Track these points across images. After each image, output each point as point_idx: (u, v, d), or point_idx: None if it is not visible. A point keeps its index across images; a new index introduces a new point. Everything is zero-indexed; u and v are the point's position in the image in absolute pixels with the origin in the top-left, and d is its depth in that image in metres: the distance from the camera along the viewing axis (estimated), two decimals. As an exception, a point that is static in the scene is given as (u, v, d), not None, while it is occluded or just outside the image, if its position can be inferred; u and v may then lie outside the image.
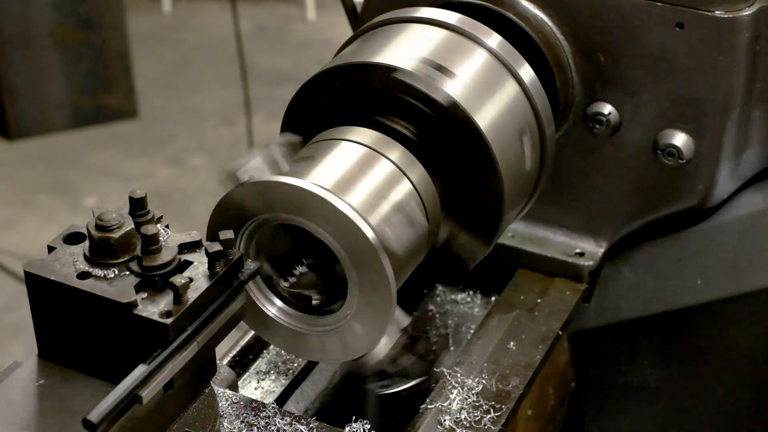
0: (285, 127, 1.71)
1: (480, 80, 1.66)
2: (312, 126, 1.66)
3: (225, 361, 1.77)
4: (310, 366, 1.82)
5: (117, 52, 5.87)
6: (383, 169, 1.56)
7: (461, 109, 1.59)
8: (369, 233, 1.44)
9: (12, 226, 5.23)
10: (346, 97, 1.65)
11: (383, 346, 1.53)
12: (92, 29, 5.77)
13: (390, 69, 1.61)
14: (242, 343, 1.81)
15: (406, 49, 1.67)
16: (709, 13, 1.74)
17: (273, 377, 1.77)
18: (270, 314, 1.57)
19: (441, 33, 1.71)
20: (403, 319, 1.52)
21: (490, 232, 1.68)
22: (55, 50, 5.72)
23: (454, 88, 1.61)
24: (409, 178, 1.58)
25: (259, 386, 1.75)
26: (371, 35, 1.74)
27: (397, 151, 1.59)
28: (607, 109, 1.87)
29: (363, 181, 1.54)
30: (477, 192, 1.64)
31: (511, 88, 1.70)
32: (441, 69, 1.63)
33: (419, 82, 1.60)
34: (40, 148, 5.80)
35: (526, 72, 1.72)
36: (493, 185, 1.63)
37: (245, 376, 1.77)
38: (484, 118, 1.62)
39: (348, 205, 1.45)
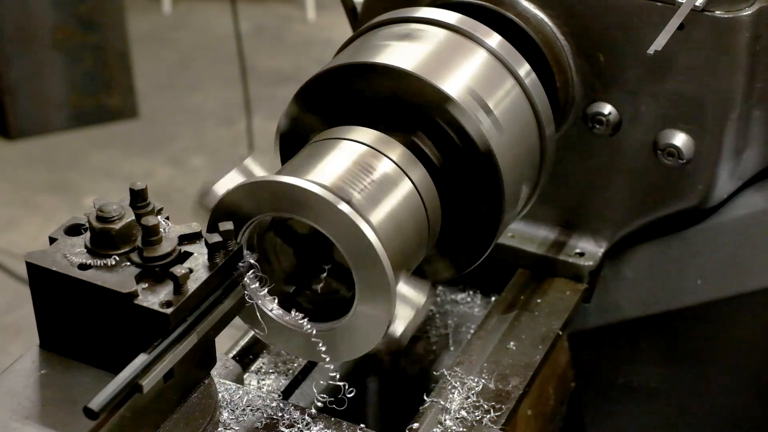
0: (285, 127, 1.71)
1: (480, 81, 1.66)
2: (312, 125, 1.66)
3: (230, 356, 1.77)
4: (310, 366, 1.82)
5: (117, 52, 5.87)
6: (384, 168, 1.56)
7: (462, 110, 1.59)
8: (369, 233, 1.43)
9: (12, 226, 5.23)
10: (346, 96, 1.65)
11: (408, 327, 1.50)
12: (92, 29, 5.76)
13: (395, 70, 1.61)
14: (242, 343, 1.81)
15: (407, 50, 1.66)
16: (709, 13, 1.74)
17: (273, 377, 1.77)
18: (269, 314, 1.57)
19: (441, 33, 1.71)
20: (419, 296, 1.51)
21: (489, 233, 1.67)
22: (55, 50, 5.71)
23: (455, 88, 1.61)
24: (409, 178, 1.57)
25: (259, 386, 1.75)
26: (371, 35, 1.74)
27: (398, 151, 1.58)
28: (607, 109, 1.87)
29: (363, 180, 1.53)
30: (477, 193, 1.64)
31: (511, 88, 1.70)
32: (442, 69, 1.63)
33: (424, 84, 1.59)
34: (40, 148, 5.80)
35: (526, 72, 1.72)
36: (494, 186, 1.63)
37: (245, 376, 1.76)
38: (485, 119, 1.62)
39: (348, 204, 1.44)
